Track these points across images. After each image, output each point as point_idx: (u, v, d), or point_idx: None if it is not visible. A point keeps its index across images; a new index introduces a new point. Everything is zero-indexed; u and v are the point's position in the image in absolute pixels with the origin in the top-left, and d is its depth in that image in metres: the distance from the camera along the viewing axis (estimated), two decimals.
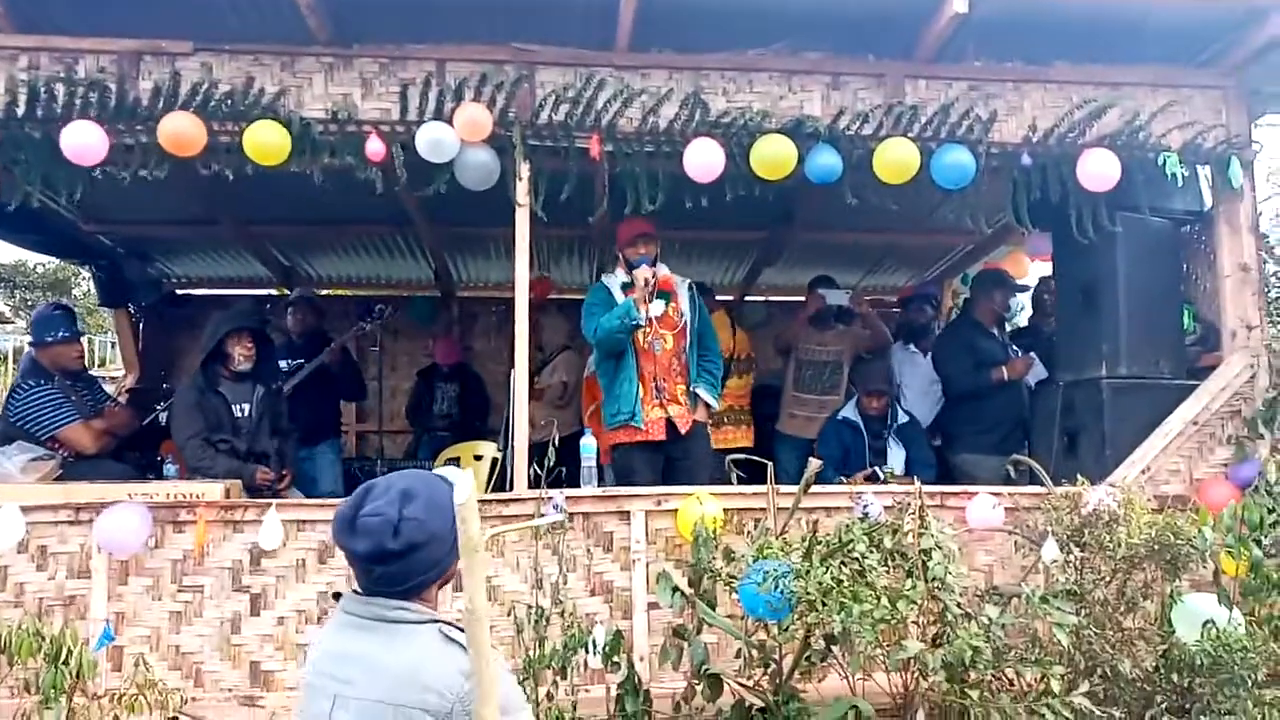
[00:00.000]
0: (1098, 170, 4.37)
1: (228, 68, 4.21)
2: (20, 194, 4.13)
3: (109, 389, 6.05)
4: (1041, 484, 4.15)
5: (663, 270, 4.79)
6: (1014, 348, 5.70)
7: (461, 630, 1.75)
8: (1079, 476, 3.96)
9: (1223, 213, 4.71)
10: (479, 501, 4.13)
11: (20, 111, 4.05)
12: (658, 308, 4.68)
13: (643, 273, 4.58)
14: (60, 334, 4.76)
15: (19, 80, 4.08)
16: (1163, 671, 3.36)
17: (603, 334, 4.62)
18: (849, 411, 5.51)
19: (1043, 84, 4.56)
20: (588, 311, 4.77)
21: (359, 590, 1.87)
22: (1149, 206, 4.73)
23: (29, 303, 18.74)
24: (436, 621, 1.82)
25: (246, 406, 4.82)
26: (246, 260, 7.37)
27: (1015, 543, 4.17)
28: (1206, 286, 4.92)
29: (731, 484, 4.23)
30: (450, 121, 4.15)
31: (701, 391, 4.78)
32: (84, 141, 3.96)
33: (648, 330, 4.67)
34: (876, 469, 5.18)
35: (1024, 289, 6.35)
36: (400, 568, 1.79)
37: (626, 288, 4.73)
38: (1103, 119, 4.45)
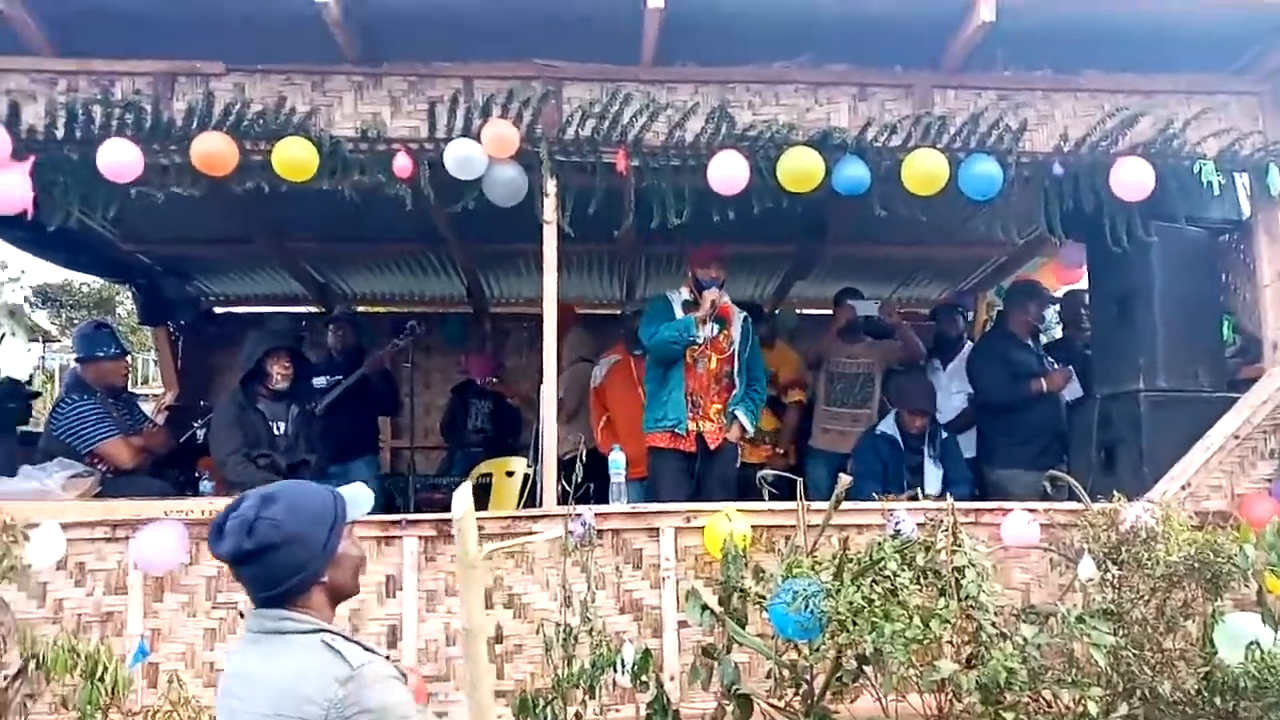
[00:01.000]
0: (1131, 179, 4.30)
1: (259, 88, 4.27)
2: (61, 214, 4.21)
3: (147, 407, 6.15)
4: (1078, 500, 4.07)
5: (724, 298, 5.01)
6: (1050, 360, 5.61)
7: (348, 640, 1.81)
8: (1116, 492, 3.88)
9: (1261, 221, 4.62)
10: (509, 518, 4.15)
11: (59, 134, 4.13)
12: (711, 331, 4.92)
13: (711, 294, 4.83)
14: (111, 351, 4.87)
15: (59, 103, 4.16)
16: (1205, 694, 3.27)
17: (658, 342, 4.87)
18: (888, 426, 5.39)
19: (1073, 92, 4.50)
20: (647, 320, 5.04)
21: (254, 603, 1.88)
22: (1185, 215, 4.66)
23: (75, 321, 19.13)
24: (322, 630, 1.82)
25: (283, 425, 4.88)
26: (282, 278, 7.46)
27: (1051, 560, 4.09)
28: (1246, 297, 4.82)
29: (762, 499, 4.20)
30: (478, 138, 4.17)
31: (740, 414, 4.99)
32: (121, 159, 4.03)
33: (696, 349, 4.92)
34: (917, 491, 5.10)
35: (1056, 301, 6.25)
36: (260, 570, 1.80)
37: (688, 305, 4.99)
38: (1135, 127, 4.38)
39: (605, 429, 5.61)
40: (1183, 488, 4.25)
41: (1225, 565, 3.40)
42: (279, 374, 4.83)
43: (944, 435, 5.43)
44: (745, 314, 5.21)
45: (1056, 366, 5.49)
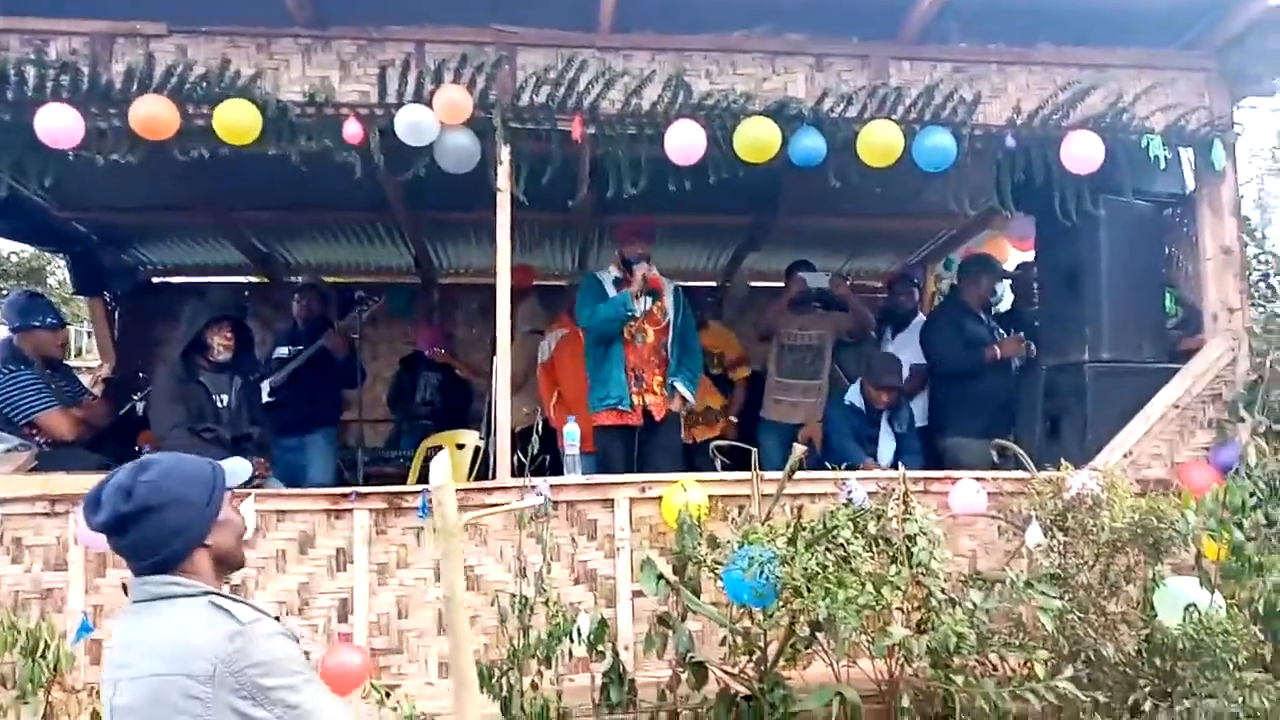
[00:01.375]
0: (1081, 152, 4.36)
1: (203, 50, 4.12)
2: None
3: (85, 380, 5.97)
4: (1025, 468, 4.15)
5: (652, 270, 5.05)
6: (1000, 331, 5.69)
7: (237, 600, 1.81)
8: (1062, 461, 3.96)
9: (1205, 195, 4.72)
10: (463, 490, 4.11)
11: None
12: (645, 304, 4.99)
13: (641, 269, 4.91)
14: (47, 320, 4.73)
15: None
16: (1145, 655, 3.38)
17: (598, 321, 4.96)
18: (854, 397, 5.45)
19: (1027, 66, 4.54)
20: (580, 301, 5.08)
21: (135, 572, 1.87)
22: (1132, 189, 4.73)
23: (2, 292, 18.52)
24: (209, 593, 1.82)
25: (226, 397, 4.75)
26: (223, 246, 7.26)
27: (999, 528, 4.18)
28: (1189, 269, 4.92)
29: (715, 470, 4.21)
30: (430, 104, 4.09)
31: (680, 386, 5.06)
32: (59, 125, 3.88)
33: (633, 324, 4.98)
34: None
35: (1008, 275, 6.35)
36: (140, 535, 1.80)
37: (619, 283, 5.07)
38: (1086, 101, 4.44)
39: (558, 404, 5.58)
40: (1125, 456, 4.36)
41: (1166, 531, 3.49)
42: (220, 345, 4.68)
43: (906, 409, 5.49)
44: (675, 285, 5.28)
45: (1006, 335, 5.57)
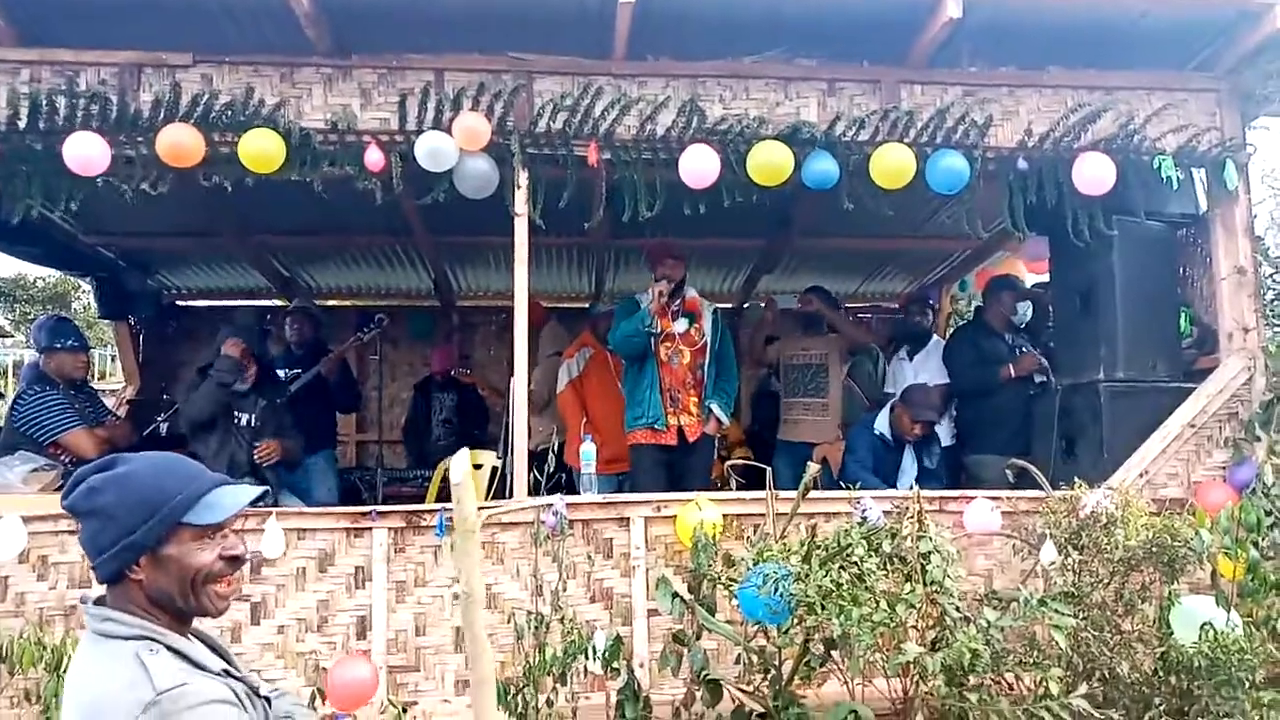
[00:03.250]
0: (1093, 174, 4.39)
1: (228, 79, 4.23)
2: (21, 207, 4.14)
3: (108, 402, 6.07)
4: (1040, 487, 4.16)
5: (691, 293, 5.29)
6: (1024, 348, 5.67)
7: (175, 653, 1.58)
8: (1077, 480, 3.97)
9: (1218, 215, 4.73)
10: (479, 509, 4.15)
11: (22, 125, 4.07)
12: (681, 325, 5.12)
13: (660, 286, 5.02)
14: (69, 342, 4.83)
15: (20, 93, 4.09)
16: (1161, 674, 3.37)
17: (620, 338, 5.09)
18: (882, 425, 5.42)
19: (1037, 88, 4.58)
20: (617, 319, 5.22)
21: None
22: (1145, 210, 4.74)
23: (29, 317, 18.78)
24: (144, 638, 1.58)
25: (248, 416, 4.84)
26: (246, 271, 7.39)
27: (1014, 546, 4.18)
28: (1203, 289, 4.93)
29: (730, 490, 4.24)
30: (449, 131, 4.17)
31: (715, 408, 5.14)
32: (86, 152, 3.98)
33: (669, 344, 5.08)
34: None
35: (1029, 296, 6.31)
36: (82, 533, 1.65)
37: None
38: (1097, 123, 4.47)
39: (587, 423, 5.58)
40: (1141, 475, 4.36)
41: (1181, 550, 3.49)
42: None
43: (936, 443, 5.48)
44: (714, 306, 5.36)
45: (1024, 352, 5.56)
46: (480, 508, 4.05)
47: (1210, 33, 4.53)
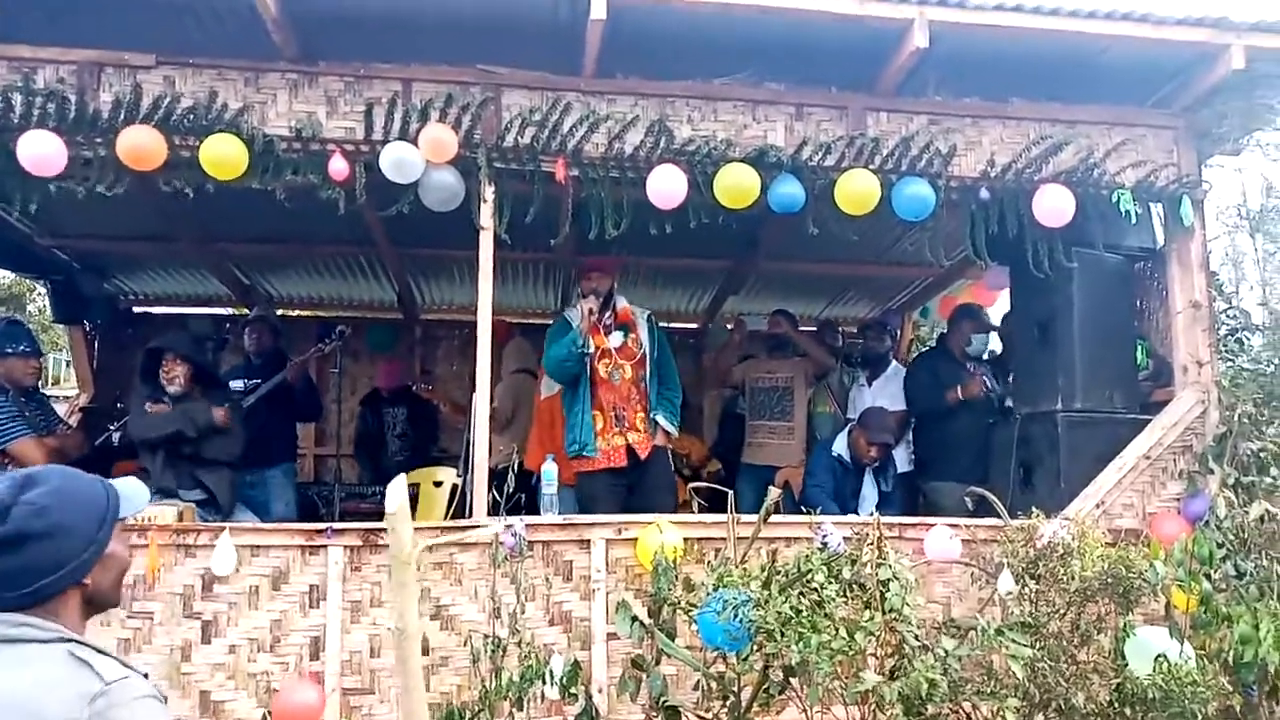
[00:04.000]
0: (1053, 206, 4.45)
1: (191, 82, 4.16)
2: None
3: (60, 409, 5.91)
4: (999, 516, 4.18)
5: (622, 303, 4.94)
6: (985, 377, 5.68)
7: (101, 653, 1.56)
8: (1034, 509, 4.00)
9: (1175, 250, 4.82)
10: (437, 528, 4.10)
11: None
12: (617, 339, 4.81)
13: (588, 303, 4.72)
14: (20, 347, 4.67)
15: None
16: (1116, 705, 3.38)
17: (552, 362, 4.80)
18: (840, 448, 5.40)
19: (1001, 119, 4.65)
20: (548, 342, 4.89)
21: None
22: (1103, 243, 4.83)
23: None
24: (68, 640, 1.54)
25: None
26: (206, 278, 7.25)
27: (972, 575, 4.19)
28: (1159, 322, 5.02)
29: (693, 512, 4.22)
30: (415, 142, 4.13)
31: (661, 419, 4.88)
32: (42, 152, 3.89)
33: (608, 361, 4.78)
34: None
35: (991, 326, 6.34)
36: (10, 563, 1.52)
37: None
38: (1059, 155, 4.54)
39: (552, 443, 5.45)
40: (1097, 505, 4.40)
41: (1136, 581, 3.52)
42: (165, 377, 4.70)
43: (892, 465, 5.48)
44: (648, 313, 5.10)
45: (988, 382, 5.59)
46: (443, 526, 4.00)
47: (1169, 71, 4.64)
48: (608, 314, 4.87)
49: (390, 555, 1.40)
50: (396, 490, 1.40)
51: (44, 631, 1.53)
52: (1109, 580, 3.55)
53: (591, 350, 4.73)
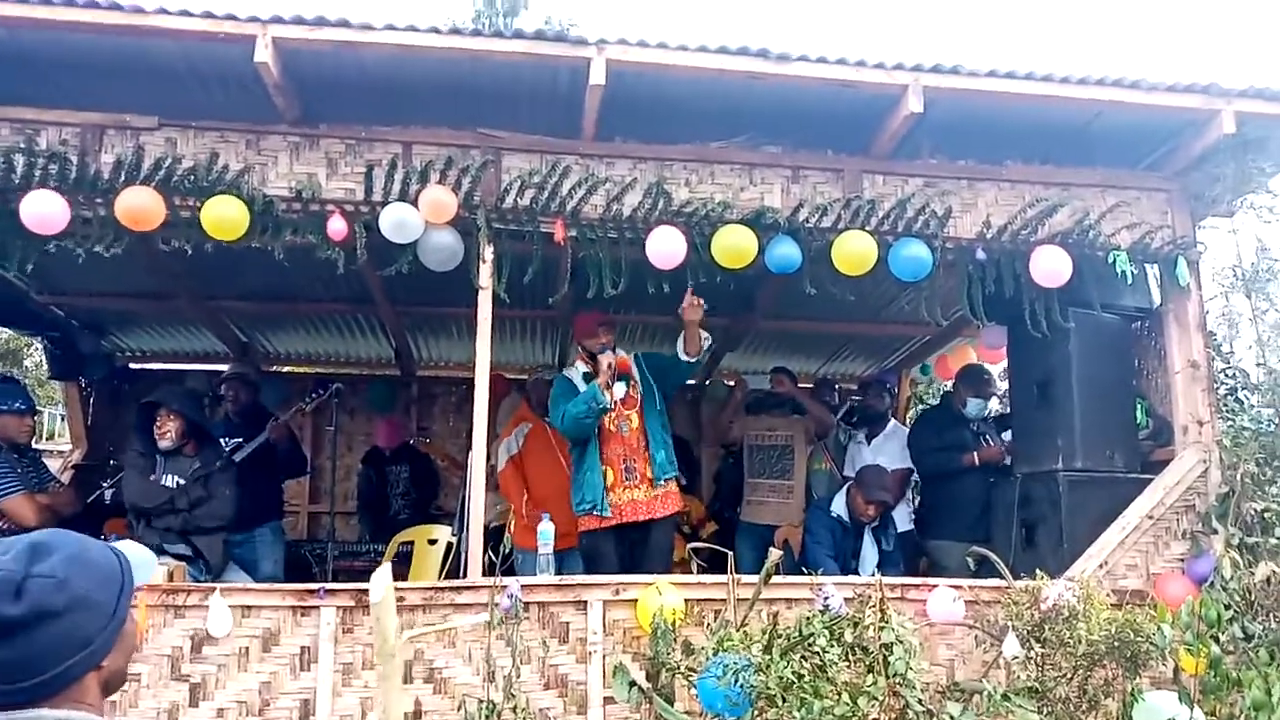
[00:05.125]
0: (1050, 266, 4.48)
1: (192, 143, 4.21)
2: None
3: (53, 464, 5.86)
4: (1001, 576, 4.13)
5: (618, 354, 4.85)
6: (989, 436, 5.67)
7: None
8: (1038, 570, 3.95)
9: (1172, 310, 4.84)
10: (431, 588, 4.04)
11: None
12: (620, 390, 4.74)
13: (606, 358, 4.63)
14: (14, 405, 4.65)
15: None
16: None
17: (569, 421, 4.64)
18: (839, 508, 5.31)
19: (996, 182, 4.70)
20: (553, 403, 4.81)
21: None
22: (1100, 303, 4.85)
23: None
24: None
25: (178, 479, 4.68)
26: (203, 335, 7.26)
27: (976, 637, 4.13)
28: (1158, 382, 5.01)
29: (692, 572, 4.17)
30: (415, 203, 4.16)
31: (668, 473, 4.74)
32: (45, 211, 3.91)
33: (615, 413, 4.72)
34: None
35: (995, 394, 6.29)
36: (26, 648, 1.28)
37: (588, 377, 4.78)
38: (1054, 217, 4.59)
39: (528, 502, 5.41)
40: (1101, 566, 4.35)
41: (1143, 644, 3.47)
42: (159, 432, 4.68)
43: (892, 525, 5.41)
44: (635, 353, 5.06)
45: (993, 442, 5.57)
46: (429, 604, 3.94)
47: (1161, 135, 4.70)
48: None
49: (375, 646, 1.32)
50: (379, 580, 1.34)
51: None
52: (1116, 644, 3.50)
53: (610, 405, 4.64)
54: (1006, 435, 5.62)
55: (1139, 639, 3.46)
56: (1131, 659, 3.51)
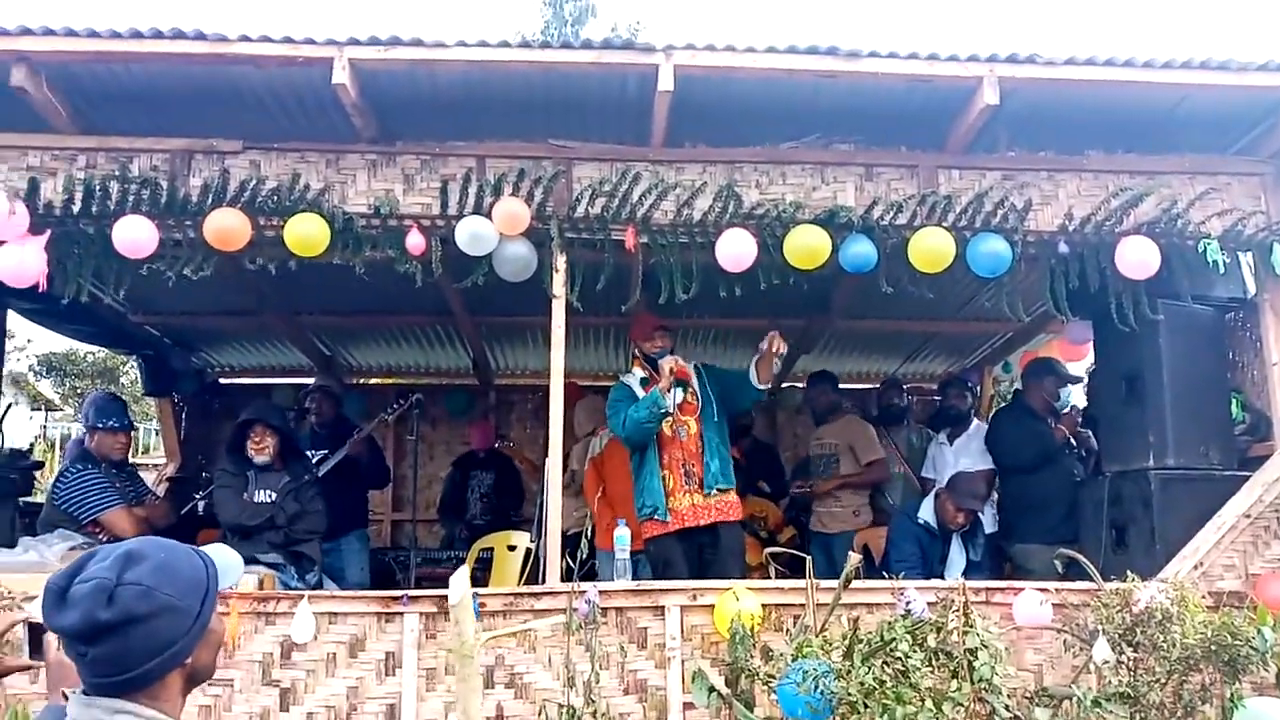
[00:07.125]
0: (1136, 258, 4.34)
1: (275, 165, 4.35)
2: (73, 287, 4.24)
3: (148, 478, 6.11)
4: (1091, 579, 4.01)
5: (677, 360, 4.81)
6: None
7: None
8: (1129, 572, 3.83)
9: (1268, 299, 4.63)
10: (510, 594, 4.10)
11: (76, 209, 4.20)
12: (678, 395, 4.69)
13: (668, 362, 4.61)
14: (110, 423, 4.85)
15: (76, 179, 4.23)
16: None
17: (632, 426, 4.60)
18: (927, 514, 5.21)
19: (1077, 173, 4.56)
20: (612, 409, 4.79)
21: (85, 690, 1.49)
22: (1191, 294, 4.68)
23: (78, 391, 19.14)
24: None
25: (272, 494, 4.82)
26: (288, 349, 7.49)
27: (1065, 641, 4.01)
28: (1254, 375, 4.82)
29: (770, 577, 4.14)
30: (489, 215, 4.23)
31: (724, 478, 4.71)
32: (135, 236, 4.08)
33: (673, 419, 4.68)
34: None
35: (1076, 380, 6.17)
36: (117, 649, 1.43)
37: (645, 383, 4.76)
38: (1140, 207, 4.43)
39: (601, 500, 5.46)
40: (1195, 567, 4.19)
41: (1243, 648, 3.34)
42: (255, 447, 4.83)
43: (981, 532, 5.28)
44: (695, 364, 5.00)
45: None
46: (509, 610, 3.99)
47: (1254, 117, 4.51)
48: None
49: (454, 648, 1.37)
50: (458, 581, 1.38)
51: (139, 718, 1.46)
52: (1213, 648, 3.37)
53: (671, 409, 4.60)
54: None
55: (1237, 642, 3.33)
56: (1230, 663, 3.37)
